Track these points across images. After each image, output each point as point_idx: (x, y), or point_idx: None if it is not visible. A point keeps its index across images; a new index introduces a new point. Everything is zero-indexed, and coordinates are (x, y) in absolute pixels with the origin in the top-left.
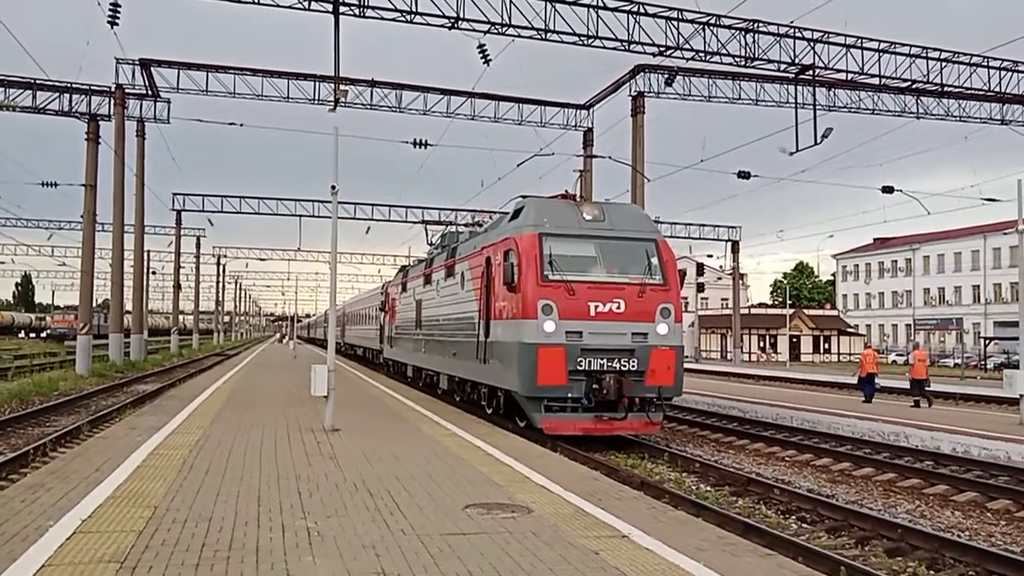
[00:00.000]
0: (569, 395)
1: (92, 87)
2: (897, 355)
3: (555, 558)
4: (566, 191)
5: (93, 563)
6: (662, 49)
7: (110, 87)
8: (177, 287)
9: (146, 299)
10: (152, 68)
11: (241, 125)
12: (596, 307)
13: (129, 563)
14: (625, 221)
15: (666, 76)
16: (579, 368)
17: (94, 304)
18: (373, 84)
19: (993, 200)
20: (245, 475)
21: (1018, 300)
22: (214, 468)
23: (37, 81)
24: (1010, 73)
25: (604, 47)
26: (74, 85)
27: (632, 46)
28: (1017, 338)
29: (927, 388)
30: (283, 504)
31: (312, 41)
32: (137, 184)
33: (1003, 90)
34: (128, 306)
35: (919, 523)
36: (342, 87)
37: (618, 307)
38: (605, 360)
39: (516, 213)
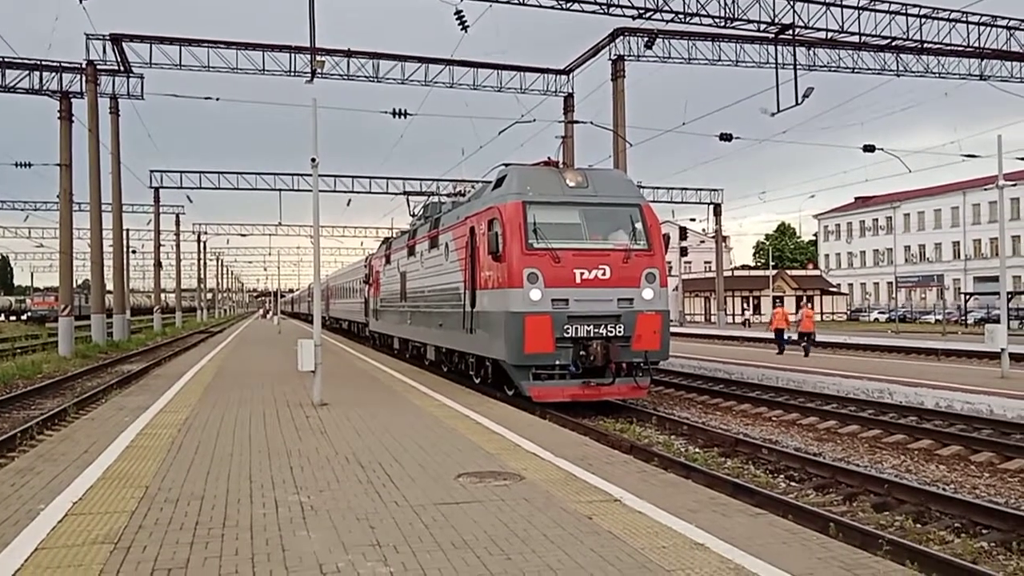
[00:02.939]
0: (557, 362)
1: (63, 64)
2: (880, 313)
3: (548, 523)
4: (548, 158)
5: (87, 544)
6: (641, 12)
7: (81, 64)
8: (158, 265)
9: (127, 278)
10: (124, 43)
11: (217, 99)
12: (582, 274)
13: (123, 543)
14: (609, 187)
15: (646, 39)
16: (566, 335)
17: (74, 285)
18: (349, 54)
19: (973, 156)
20: (235, 452)
21: (998, 255)
22: (204, 446)
23: (5, 59)
24: (989, 28)
25: (583, 11)
26: (44, 63)
27: (611, 9)
28: (997, 293)
29: (813, 340)
30: (275, 480)
31: (287, 14)
32: (113, 162)
33: (982, 45)
34: (109, 286)
35: (905, 478)
36: (319, 58)
37: (603, 273)
38: (592, 327)
39: (499, 182)
